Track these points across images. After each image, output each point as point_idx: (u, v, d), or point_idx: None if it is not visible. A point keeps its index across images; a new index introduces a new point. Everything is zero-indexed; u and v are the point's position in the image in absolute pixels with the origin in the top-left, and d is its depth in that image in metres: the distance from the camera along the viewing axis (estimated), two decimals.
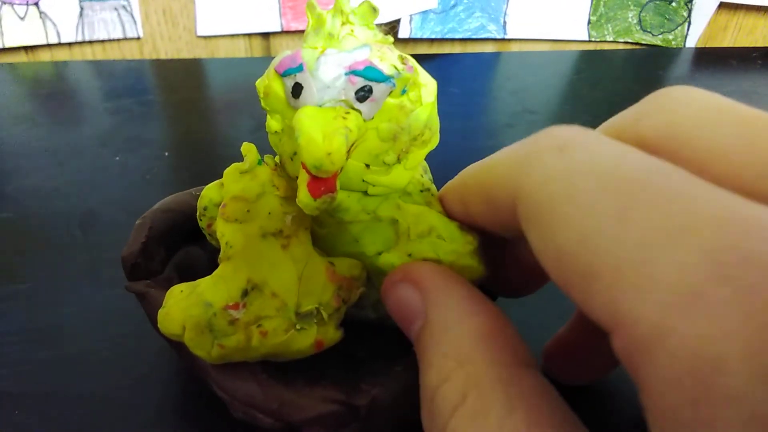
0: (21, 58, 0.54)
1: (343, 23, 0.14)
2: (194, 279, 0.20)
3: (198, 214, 0.18)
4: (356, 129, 0.13)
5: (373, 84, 0.13)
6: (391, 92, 0.14)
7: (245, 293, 0.14)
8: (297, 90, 0.13)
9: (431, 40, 0.60)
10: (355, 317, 0.17)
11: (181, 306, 0.14)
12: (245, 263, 0.14)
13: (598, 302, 0.09)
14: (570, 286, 0.10)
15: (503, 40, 0.61)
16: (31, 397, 0.20)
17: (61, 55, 0.55)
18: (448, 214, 0.16)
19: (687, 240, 0.09)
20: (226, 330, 0.14)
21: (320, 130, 0.12)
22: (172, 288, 0.15)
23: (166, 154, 0.37)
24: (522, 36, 0.61)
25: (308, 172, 0.13)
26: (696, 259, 0.08)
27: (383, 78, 0.13)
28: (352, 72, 0.13)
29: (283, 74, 0.14)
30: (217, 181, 0.17)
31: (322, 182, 0.13)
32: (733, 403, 0.07)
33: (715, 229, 0.08)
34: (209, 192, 0.17)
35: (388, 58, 0.14)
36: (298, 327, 0.15)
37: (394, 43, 0.15)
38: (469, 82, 0.51)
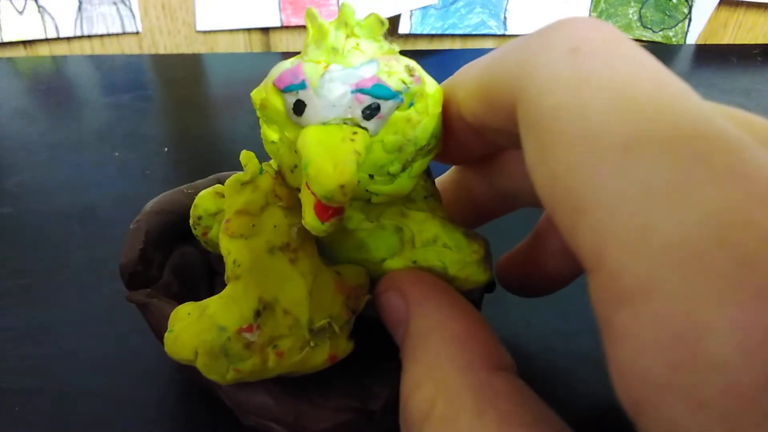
0: (19, 52, 0.54)
1: (348, 36, 0.13)
2: (192, 280, 0.20)
3: (192, 222, 0.17)
4: (364, 150, 0.12)
5: (381, 101, 0.13)
6: (398, 106, 0.13)
7: (258, 314, 0.14)
8: (299, 107, 0.13)
9: (431, 36, 0.60)
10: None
11: (192, 330, 0.14)
12: (255, 282, 0.14)
13: (582, 238, 0.09)
14: (556, 212, 0.10)
15: (504, 36, 0.61)
16: (31, 394, 0.20)
17: (60, 49, 0.54)
18: (445, 113, 0.14)
19: (692, 194, 0.08)
20: (242, 354, 0.14)
21: (330, 158, 0.12)
22: (176, 309, 0.15)
23: (166, 149, 0.36)
24: (523, 32, 0.61)
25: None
26: (696, 216, 0.08)
27: (392, 95, 0.13)
28: (359, 90, 0.12)
29: (284, 90, 0.13)
30: (211, 189, 0.17)
31: (331, 205, 0.12)
32: (715, 372, 0.07)
33: (724, 186, 0.08)
34: (203, 201, 0.17)
35: (396, 72, 0.13)
36: (312, 344, 0.14)
37: (393, 38, 0.14)
38: None
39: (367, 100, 0.13)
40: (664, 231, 0.08)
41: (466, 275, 0.16)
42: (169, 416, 0.19)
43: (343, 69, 0.13)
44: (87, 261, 0.26)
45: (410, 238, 0.16)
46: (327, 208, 0.12)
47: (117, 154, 0.35)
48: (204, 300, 0.15)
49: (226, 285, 0.15)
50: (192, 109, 0.43)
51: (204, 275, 0.21)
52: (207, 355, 0.14)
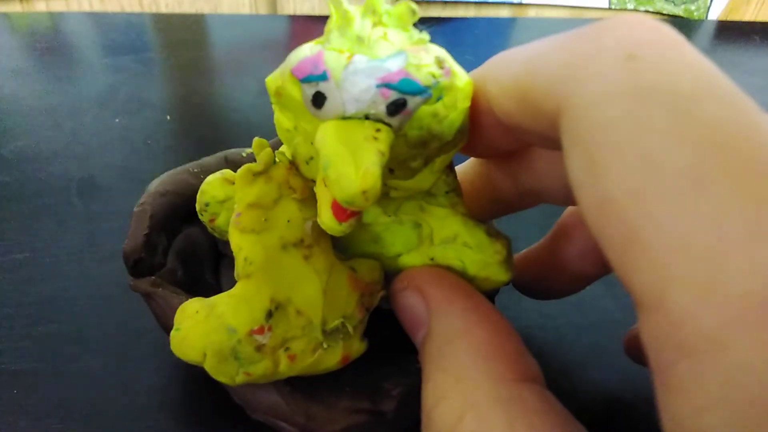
0: (15, 7, 0.52)
1: (375, 24, 0.12)
2: (197, 264, 0.20)
3: (198, 208, 0.17)
4: (388, 150, 0.11)
5: (408, 97, 0.12)
6: (426, 101, 0.12)
7: (269, 314, 0.13)
8: (319, 100, 0.12)
9: (444, 3, 0.58)
10: None
11: (201, 331, 0.13)
12: (267, 281, 0.13)
13: (639, 274, 0.08)
14: (606, 239, 0.09)
15: (520, 4, 0.59)
16: (30, 375, 0.19)
17: (57, 5, 0.52)
18: (474, 106, 0.13)
19: None
20: (253, 357, 0.13)
21: (353, 160, 0.11)
22: (183, 306, 0.14)
23: (168, 117, 0.35)
24: (539, 1, 0.58)
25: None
26: None
27: (420, 91, 0.12)
28: (385, 85, 0.11)
29: (303, 80, 0.12)
30: (219, 174, 0.16)
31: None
32: None
33: None
34: (211, 188, 0.16)
35: (425, 66, 0.12)
36: (325, 345, 0.14)
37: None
38: (484, 48, 0.49)
39: (393, 96, 0.11)
40: (741, 281, 0.07)
41: (486, 275, 0.15)
42: (173, 403, 0.19)
43: (369, 61, 0.11)
44: (87, 235, 0.25)
45: (429, 234, 0.15)
46: (345, 208, 0.12)
47: (117, 120, 0.34)
48: (213, 297, 0.14)
49: (232, 267, 0.14)
50: (195, 73, 0.42)
51: (210, 258, 0.20)
52: (216, 358, 0.13)
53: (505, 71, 0.12)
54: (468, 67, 0.13)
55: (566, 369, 0.22)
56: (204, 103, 0.37)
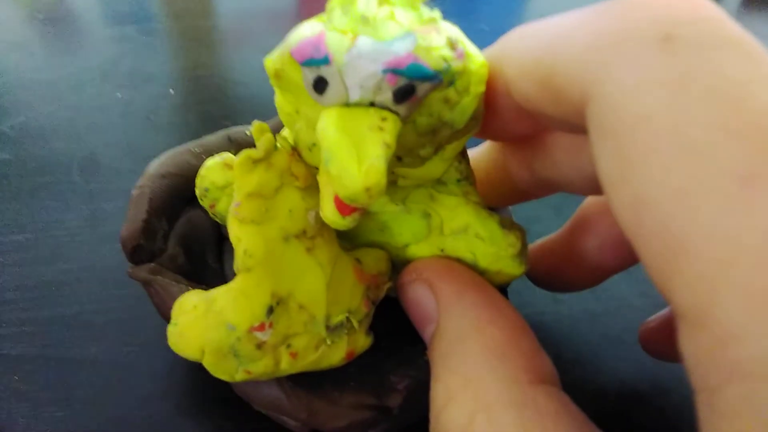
0: None
1: (381, 2, 0.11)
2: (200, 249, 0.19)
3: (198, 193, 0.16)
4: (395, 141, 0.11)
5: (416, 83, 0.11)
6: (436, 87, 0.11)
7: (270, 310, 0.13)
8: (321, 85, 0.11)
9: None
10: None
11: (199, 327, 0.13)
12: (268, 274, 0.13)
13: (682, 285, 0.07)
14: (642, 244, 0.08)
15: None
16: (31, 361, 0.19)
17: None
18: (489, 88, 0.12)
19: None
20: (253, 355, 0.13)
21: (356, 154, 0.10)
22: (181, 300, 0.14)
23: (171, 91, 0.34)
24: None
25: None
26: None
27: (430, 76, 0.11)
28: (392, 70, 0.10)
29: (304, 64, 0.11)
30: (219, 159, 0.16)
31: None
32: None
33: None
34: (210, 173, 0.16)
35: (436, 48, 0.11)
36: (328, 342, 0.13)
37: None
38: (500, 19, 0.48)
39: (401, 82, 0.10)
40: None
41: (498, 269, 0.14)
42: (176, 391, 0.18)
43: (374, 43, 0.10)
44: (88, 216, 0.25)
45: (439, 224, 0.14)
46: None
47: (120, 95, 0.33)
48: (211, 290, 0.13)
49: (234, 251, 0.14)
50: (199, 45, 0.41)
51: (212, 241, 0.20)
52: (214, 355, 0.13)
53: (525, 51, 0.11)
54: (482, 38, 0.12)
55: (579, 358, 0.21)
56: (209, 77, 0.36)
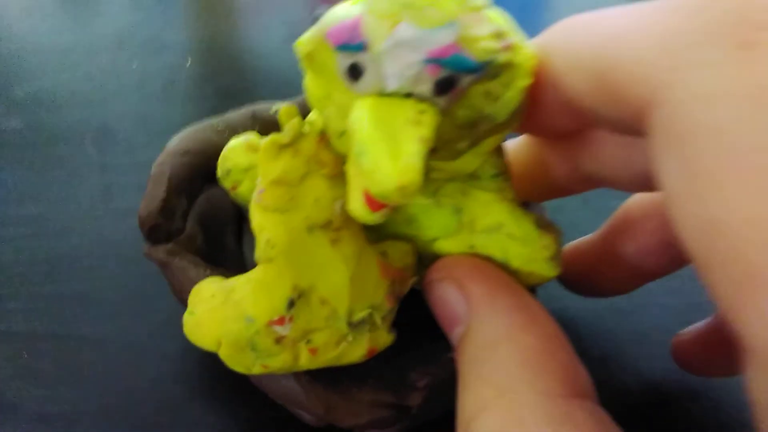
0: None
1: None
2: (219, 228, 0.18)
3: (220, 173, 0.16)
4: (432, 136, 0.10)
5: (459, 75, 0.10)
6: (479, 80, 0.10)
7: (291, 304, 0.12)
8: (355, 72, 0.10)
9: None
10: None
11: (216, 317, 0.12)
12: (290, 266, 0.12)
13: (753, 316, 0.07)
14: (710, 266, 0.07)
15: None
16: (41, 339, 0.18)
17: None
18: (535, 81, 0.11)
19: None
20: (271, 350, 0.12)
21: (390, 149, 0.09)
22: (199, 287, 0.13)
23: (189, 62, 0.33)
24: None
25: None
26: None
27: (474, 68, 0.10)
28: (434, 61, 0.10)
29: (338, 48, 0.10)
30: (243, 141, 0.15)
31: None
32: None
33: None
34: (234, 154, 0.15)
35: (481, 39, 0.10)
36: (349, 338, 0.13)
37: None
38: (521, 11, 0.46)
39: (442, 73, 0.10)
40: None
41: (530, 270, 0.14)
42: (189, 374, 0.18)
43: (416, 30, 0.10)
44: (102, 189, 0.24)
45: (470, 221, 0.14)
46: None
47: (135, 65, 0.32)
48: (231, 279, 0.13)
49: (254, 236, 0.13)
50: (218, 13, 0.40)
51: (231, 221, 0.19)
52: (231, 348, 0.12)
53: (580, 44, 0.10)
54: (510, 12, 0.11)
55: (604, 355, 0.20)
56: (227, 47, 0.35)
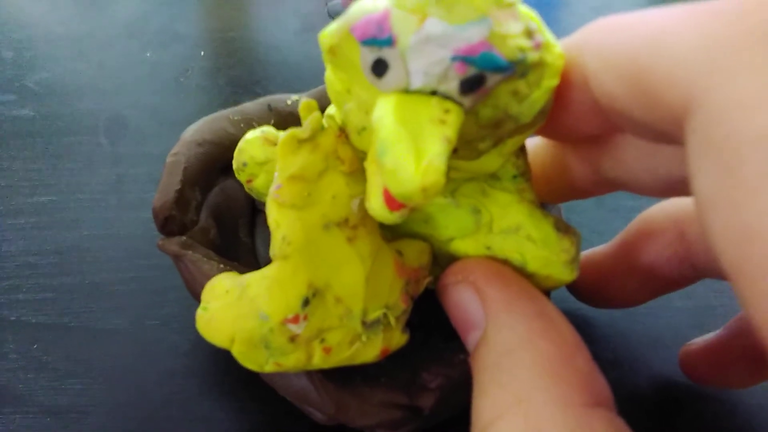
0: None
1: None
2: (234, 223, 0.18)
3: (235, 166, 0.15)
4: (456, 135, 0.10)
5: (487, 74, 0.10)
6: (507, 79, 0.10)
7: (306, 302, 0.12)
8: (380, 68, 0.10)
9: None
10: None
11: (230, 314, 0.12)
12: (305, 263, 0.12)
13: None
14: (745, 279, 0.07)
15: None
16: (51, 330, 0.18)
17: None
18: (564, 80, 0.11)
19: None
20: (285, 348, 0.12)
21: (413, 149, 0.09)
22: (213, 282, 0.13)
23: (202, 53, 0.33)
24: None
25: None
26: None
27: (503, 67, 0.10)
28: (462, 59, 0.09)
29: (364, 43, 0.10)
30: (260, 134, 0.15)
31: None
32: None
33: None
34: (250, 147, 0.15)
35: (512, 36, 0.10)
36: (363, 338, 0.13)
37: None
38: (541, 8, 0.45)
39: (470, 71, 0.10)
40: None
41: (548, 274, 0.13)
42: (199, 369, 0.18)
43: (445, 26, 0.09)
44: (114, 180, 0.24)
45: (488, 221, 0.13)
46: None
47: (148, 54, 0.32)
48: (245, 275, 0.13)
49: (268, 229, 0.13)
50: (231, 4, 0.39)
51: (245, 213, 0.19)
52: (245, 345, 0.12)
53: (615, 45, 0.10)
54: (545, 18, 0.11)
55: (616, 358, 0.20)
56: (241, 39, 0.35)
